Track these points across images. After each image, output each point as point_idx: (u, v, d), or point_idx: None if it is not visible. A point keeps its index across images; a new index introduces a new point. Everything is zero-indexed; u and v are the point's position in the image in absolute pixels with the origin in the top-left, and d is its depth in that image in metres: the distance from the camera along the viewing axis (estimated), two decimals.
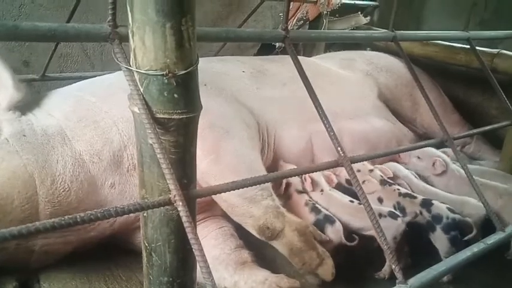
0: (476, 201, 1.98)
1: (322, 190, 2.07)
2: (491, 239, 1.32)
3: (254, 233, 1.79)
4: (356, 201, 1.99)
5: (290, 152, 2.24)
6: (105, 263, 1.85)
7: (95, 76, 2.27)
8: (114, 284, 1.76)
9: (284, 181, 2.04)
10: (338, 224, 1.88)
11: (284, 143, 2.22)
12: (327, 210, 1.96)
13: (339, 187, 2.15)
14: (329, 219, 1.89)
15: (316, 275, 1.74)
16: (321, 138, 2.21)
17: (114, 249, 1.89)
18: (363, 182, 2.09)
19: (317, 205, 1.98)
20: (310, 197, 2.04)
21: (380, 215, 1.88)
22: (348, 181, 2.16)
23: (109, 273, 1.81)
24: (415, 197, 2.01)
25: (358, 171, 2.13)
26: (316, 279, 1.77)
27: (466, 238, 1.84)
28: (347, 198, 2.03)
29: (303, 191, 2.06)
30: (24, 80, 2.70)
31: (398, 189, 2.07)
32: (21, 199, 1.63)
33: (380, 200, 2.06)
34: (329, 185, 2.12)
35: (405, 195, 2.02)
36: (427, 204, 1.95)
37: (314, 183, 2.07)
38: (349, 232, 1.91)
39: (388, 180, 2.14)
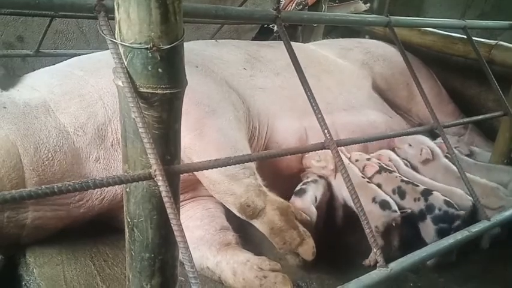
0: (464, 192, 1.98)
1: None
2: (476, 227, 1.32)
3: (235, 211, 1.79)
4: (366, 179, 2.00)
5: (284, 144, 2.20)
6: (92, 241, 1.86)
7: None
8: (100, 260, 1.77)
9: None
10: (307, 196, 1.90)
11: (278, 134, 2.19)
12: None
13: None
14: (300, 192, 1.92)
15: (296, 254, 1.73)
16: (317, 135, 2.18)
17: (101, 227, 1.89)
18: (364, 167, 2.10)
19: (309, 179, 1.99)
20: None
21: (373, 199, 1.88)
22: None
23: (95, 250, 1.82)
24: (417, 185, 1.99)
25: (356, 161, 2.14)
26: (297, 259, 1.75)
27: (453, 226, 1.83)
28: (360, 173, 2.03)
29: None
30: (18, 55, 2.71)
31: (401, 177, 2.05)
32: (6, 168, 1.64)
33: (379, 186, 2.03)
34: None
35: (408, 182, 2.01)
36: (426, 193, 1.93)
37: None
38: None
39: (387, 167, 2.12)
